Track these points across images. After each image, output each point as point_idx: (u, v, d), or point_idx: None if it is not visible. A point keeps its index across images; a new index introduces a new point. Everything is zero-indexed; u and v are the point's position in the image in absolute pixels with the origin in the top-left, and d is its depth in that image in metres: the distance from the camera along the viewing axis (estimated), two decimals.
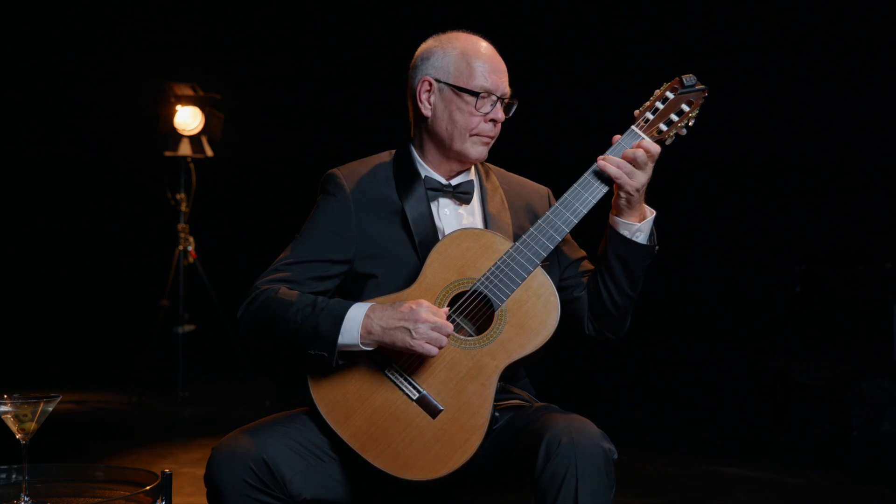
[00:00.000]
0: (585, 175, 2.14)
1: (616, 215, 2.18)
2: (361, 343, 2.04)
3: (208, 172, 6.73)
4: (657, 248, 2.22)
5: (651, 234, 2.20)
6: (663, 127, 2.15)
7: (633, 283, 2.21)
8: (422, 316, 2.00)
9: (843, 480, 4.48)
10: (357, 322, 2.04)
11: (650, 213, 2.20)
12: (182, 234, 6.51)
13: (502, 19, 7.43)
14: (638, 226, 2.17)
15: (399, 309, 2.02)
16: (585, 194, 2.12)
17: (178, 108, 6.42)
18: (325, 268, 2.19)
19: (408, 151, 2.31)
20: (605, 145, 2.15)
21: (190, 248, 6.50)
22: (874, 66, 7.21)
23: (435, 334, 2.00)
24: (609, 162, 2.11)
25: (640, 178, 2.11)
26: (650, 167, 2.13)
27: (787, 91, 7.36)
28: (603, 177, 2.13)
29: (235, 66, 7.95)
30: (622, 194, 2.14)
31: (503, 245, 2.12)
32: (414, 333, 2.00)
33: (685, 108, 2.15)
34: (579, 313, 2.28)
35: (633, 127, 2.16)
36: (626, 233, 2.18)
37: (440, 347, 2.01)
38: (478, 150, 2.25)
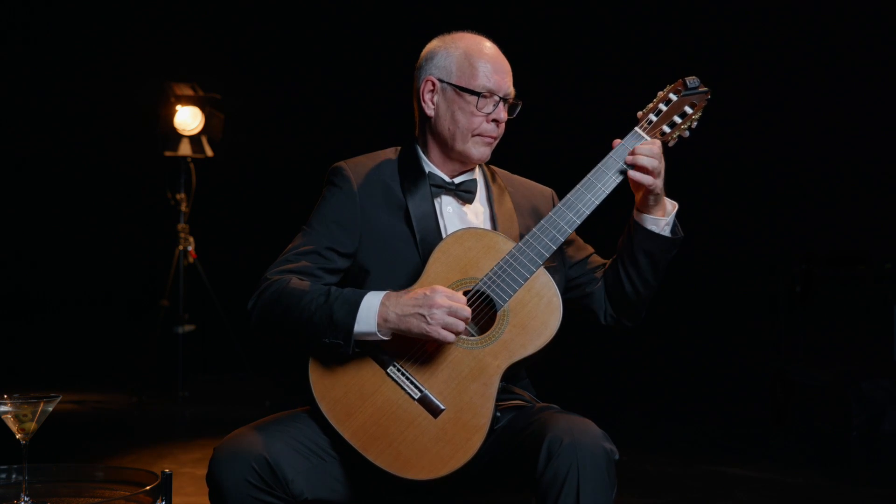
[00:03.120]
0: (589, 176, 2.14)
1: (642, 212, 2.19)
2: (378, 331, 2.03)
3: (208, 172, 6.73)
4: (682, 237, 2.23)
5: (675, 226, 2.21)
6: (666, 129, 2.15)
7: (657, 274, 2.23)
8: (437, 301, 1.98)
9: (843, 480, 4.48)
10: (373, 310, 2.03)
11: (672, 207, 2.21)
12: (182, 234, 6.51)
13: (506, 19, 7.43)
14: (665, 220, 2.19)
15: (414, 295, 2.01)
16: (588, 195, 2.12)
17: (178, 108, 6.42)
18: (332, 258, 2.18)
19: (413, 148, 2.31)
20: (607, 147, 2.14)
21: (190, 248, 6.50)
22: (874, 67, 7.21)
23: (451, 319, 1.98)
24: (641, 153, 2.09)
25: (662, 172, 2.13)
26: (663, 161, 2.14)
27: (788, 92, 7.36)
28: (604, 178, 2.12)
29: (235, 66, 7.95)
30: (650, 197, 2.14)
31: (506, 245, 2.12)
32: (429, 319, 1.98)
33: (688, 110, 2.16)
34: (593, 307, 2.30)
35: (636, 128, 2.16)
36: (653, 228, 2.18)
37: (457, 333, 2.00)
38: (480, 150, 2.25)
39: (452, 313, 1.98)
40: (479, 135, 2.23)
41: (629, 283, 2.22)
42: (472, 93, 2.21)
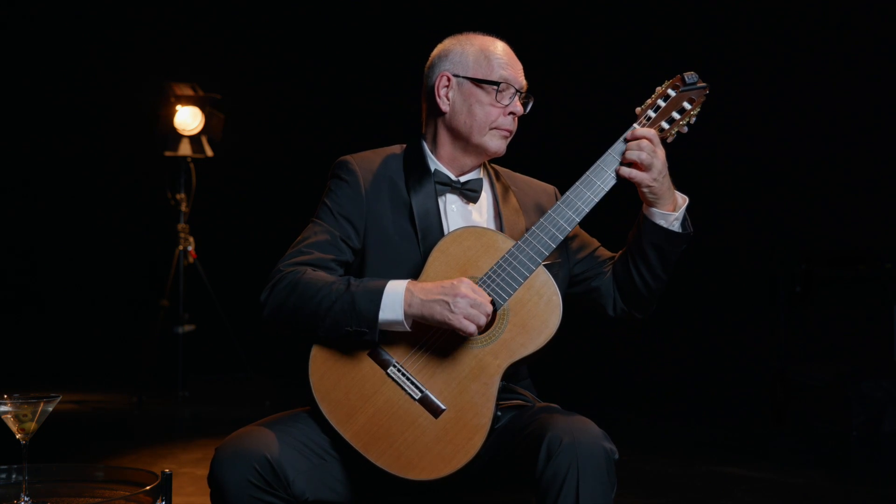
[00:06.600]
0: (588, 174, 2.14)
1: (650, 206, 2.18)
2: (404, 318, 2.02)
3: (208, 172, 6.74)
4: (692, 232, 2.21)
5: (685, 220, 2.20)
6: (665, 125, 2.15)
7: (666, 267, 2.22)
8: (462, 291, 1.99)
9: (843, 480, 4.48)
10: (399, 296, 2.02)
11: (683, 201, 2.20)
12: (182, 234, 6.52)
13: (502, 17, 7.43)
14: (675, 215, 2.17)
15: (440, 283, 2.02)
16: (588, 192, 2.12)
17: (178, 108, 6.43)
18: (343, 250, 2.18)
19: (419, 146, 2.31)
20: (606, 144, 2.14)
21: (190, 248, 6.51)
22: (874, 66, 7.20)
23: (474, 311, 1.99)
24: (631, 147, 2.10)
25: (657, 165, 2.10)
26: (661, 153, 2.12)
27: (788, 90, 7.36)
28: (603, 175, 2.12)
29: (235, 66, 7.95)
30: (646, 192, 2.13)
31: (505, 244, 2.12)
32: (453, 307, 1.98)
33: (687, 105, 2.15)
34: (601, 301, 2.29)
35: (635, 125, 2.16)
36: (662, 223, 2.17)
37: (478, 325, 2.00)
38: (497, 143, 2.25)
39: (475, 306, 1.99)
40: (496, 128, 2.24)
41: (639, 276, 2.22)
42: (491, 83, 2.21)
